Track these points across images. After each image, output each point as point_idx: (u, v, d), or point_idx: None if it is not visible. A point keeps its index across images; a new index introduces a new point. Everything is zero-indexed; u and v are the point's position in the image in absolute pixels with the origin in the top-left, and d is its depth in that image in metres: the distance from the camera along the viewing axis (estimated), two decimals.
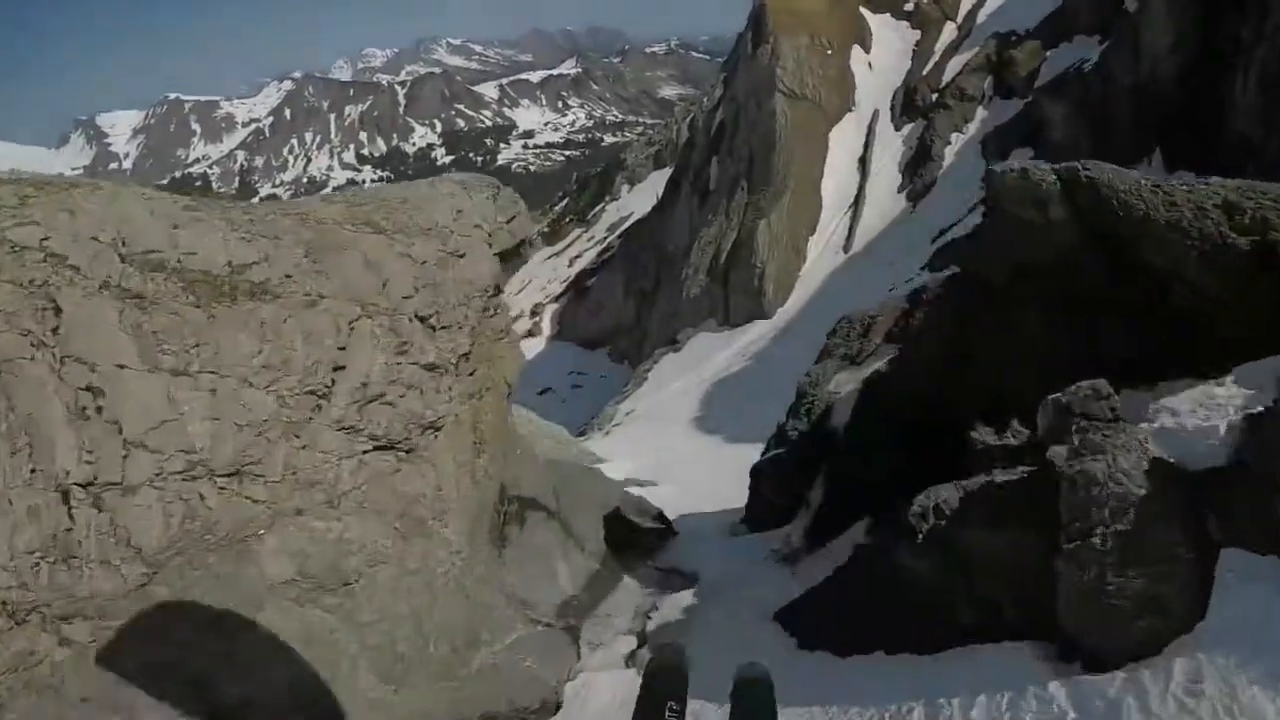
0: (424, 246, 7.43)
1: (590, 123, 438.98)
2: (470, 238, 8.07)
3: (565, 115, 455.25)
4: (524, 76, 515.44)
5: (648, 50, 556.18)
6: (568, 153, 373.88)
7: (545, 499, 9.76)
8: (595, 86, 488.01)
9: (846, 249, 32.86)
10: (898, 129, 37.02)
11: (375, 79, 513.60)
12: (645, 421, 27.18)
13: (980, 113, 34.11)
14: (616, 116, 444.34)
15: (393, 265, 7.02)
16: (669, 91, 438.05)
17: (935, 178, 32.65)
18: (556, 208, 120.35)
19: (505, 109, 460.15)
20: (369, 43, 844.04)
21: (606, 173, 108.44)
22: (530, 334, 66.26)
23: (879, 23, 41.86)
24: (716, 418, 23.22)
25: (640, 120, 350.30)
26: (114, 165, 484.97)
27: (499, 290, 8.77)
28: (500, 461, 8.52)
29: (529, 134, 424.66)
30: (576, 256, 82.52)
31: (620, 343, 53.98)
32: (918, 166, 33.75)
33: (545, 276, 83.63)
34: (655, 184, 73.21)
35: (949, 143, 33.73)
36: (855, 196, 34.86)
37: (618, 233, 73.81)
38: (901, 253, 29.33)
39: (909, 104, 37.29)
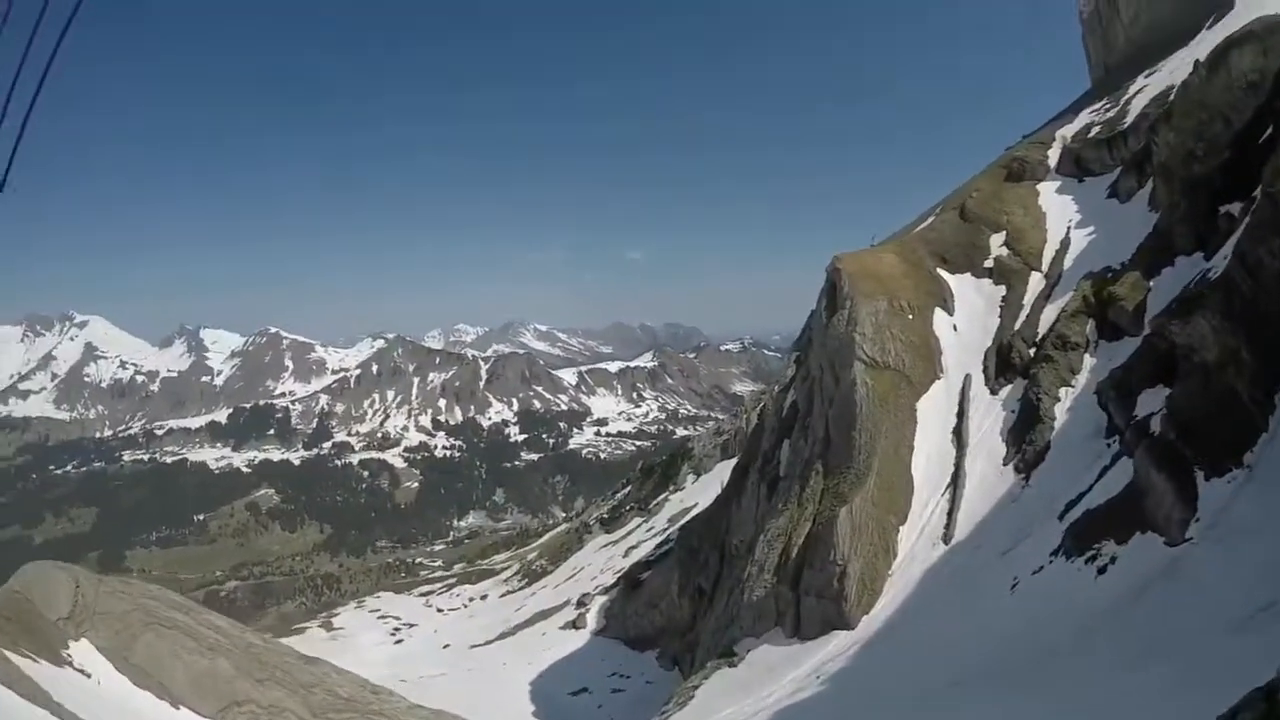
0: None
1: (663, 415, 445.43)
2: None
3: (639, 406, 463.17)
4: (602, 366, 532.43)
5: (722, 348, 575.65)
6: (639, 442, 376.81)
7: None
8: (670, 380, 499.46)
9: (947, 539, 27.00)
10: (994, 393, 32.20)
11: (463, 352, 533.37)
12: None
13: (1088, 360, 29.46)
14: (689, 410, 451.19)
15: None
16: (741, 387, 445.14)
17: (1048, 441, 27.38)
18: (618, 495, 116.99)
19: (582, 395, 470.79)
20: (463, 318, 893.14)
21: (672, 461, 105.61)
22: (575, 626, 61.09)
23: (959, 283, 38.49)
24: None
25: (712, 415, 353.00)
26: (207, 378, 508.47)
27: None
28: None
29: (602, 421, 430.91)
30: (633, 547, 78.18)
31: (672, 646, 48.12)
32: (1024, 432, 28.52)
33: (598, 565, 79.13)
34: (722, 474, 69.52)
35: (1058, 399, 28.75)
36: (953, 475, 29.43)
37: (679, 525, 69.28)
38: (1017, 537, 23.62)
39: (1004, 363, 32.78)
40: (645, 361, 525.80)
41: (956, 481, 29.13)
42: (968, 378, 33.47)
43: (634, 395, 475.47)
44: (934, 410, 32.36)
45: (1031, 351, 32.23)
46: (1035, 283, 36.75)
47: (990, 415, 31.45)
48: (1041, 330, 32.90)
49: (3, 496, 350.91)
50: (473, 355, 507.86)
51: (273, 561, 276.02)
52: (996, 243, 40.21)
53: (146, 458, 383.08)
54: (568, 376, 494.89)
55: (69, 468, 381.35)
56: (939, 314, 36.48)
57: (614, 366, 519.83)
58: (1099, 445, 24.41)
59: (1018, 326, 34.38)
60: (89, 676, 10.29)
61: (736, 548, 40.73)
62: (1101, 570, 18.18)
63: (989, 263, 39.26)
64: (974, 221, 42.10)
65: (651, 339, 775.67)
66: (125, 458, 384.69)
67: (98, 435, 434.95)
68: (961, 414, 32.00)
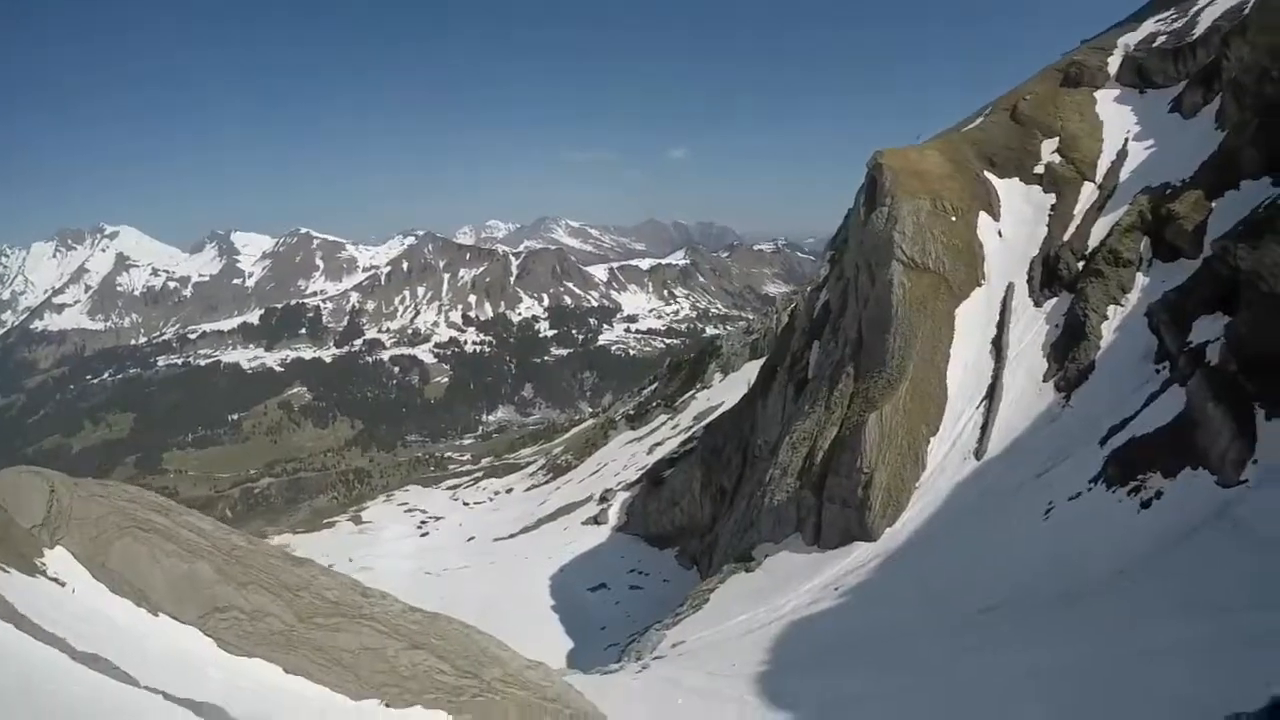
0: None
1: (694, 313, 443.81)
2: None
3: (670, 304, 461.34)
4: (634, 262, 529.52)
5: (755, 248, 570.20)
6: (668, 340, 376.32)
7: None
8: (702, 279, 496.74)
9: (979, 454, 25.69)
10: (1038, 305, 30.45)
11: (494, 248, 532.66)
12: (693, 666, 20.03)
13: (1140, 279, 27.66)
14: (720, 309, 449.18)
15: None
16: (773, 289, 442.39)
17: (1092, 361, 25.92)
18: (645, 391, 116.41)
19: (613, 291, 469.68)
20: (495, 215, 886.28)
21: (700, 359, 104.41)
22: (596, 521, 60.98)
23: (1006, 188, 36.31)
24: (791, 690, 15.97)
25: (743, 315, 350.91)
26: (238, 281, 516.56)
27: None
28: None
29: (632, 318, 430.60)
30: (658, 444, 77.71)
31: (692, 545, 47.88)
32: (1068, 349, 26.97)
33: (622, 461, 78.96)
34: (749, 374, 68.63)
35: (1106, 317, 27.09)
36: (990, 387, 27.92)
37: (703, 423, 68.43)
38: (1054, 459, 22.26)
39: (1051, 275, 30.93)
40: (677, 259, 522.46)
41: (993, 395, 27.67)
42: (1010, 286, 31.66)
43: (665, 293, 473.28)
44: (973, 318, 30.66)
45: (1080, 265, 30.40)
46: (1088, 193, 34.56)
47: (1032, 328, 29.78)
48: (1092, 244, 30.91)
49: (43, 408, 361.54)
50: (503, 251, 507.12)
51: (305, 458, 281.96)
52: (1049, 149, 37.85)
53: (180, 362, 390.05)
54: (599, 273, 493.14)
55: (105, 376, 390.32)
56: (984, 218, 34.43)
57: (645, 264, 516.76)
58: (1147, 369, 22.96)
59: (1067, 237, 32.38)
60: (64, 585, 9.52)
61: (760, 448, 39.81)
62: (1145, 504, 16.96)
63: (1039, 169, 36.96)
64: (1026, 125, 39.67)
65: (685, 237, 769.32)
66: (160, 363, 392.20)
67: (132, 343, 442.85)
68: (1002, 324, 30.32)
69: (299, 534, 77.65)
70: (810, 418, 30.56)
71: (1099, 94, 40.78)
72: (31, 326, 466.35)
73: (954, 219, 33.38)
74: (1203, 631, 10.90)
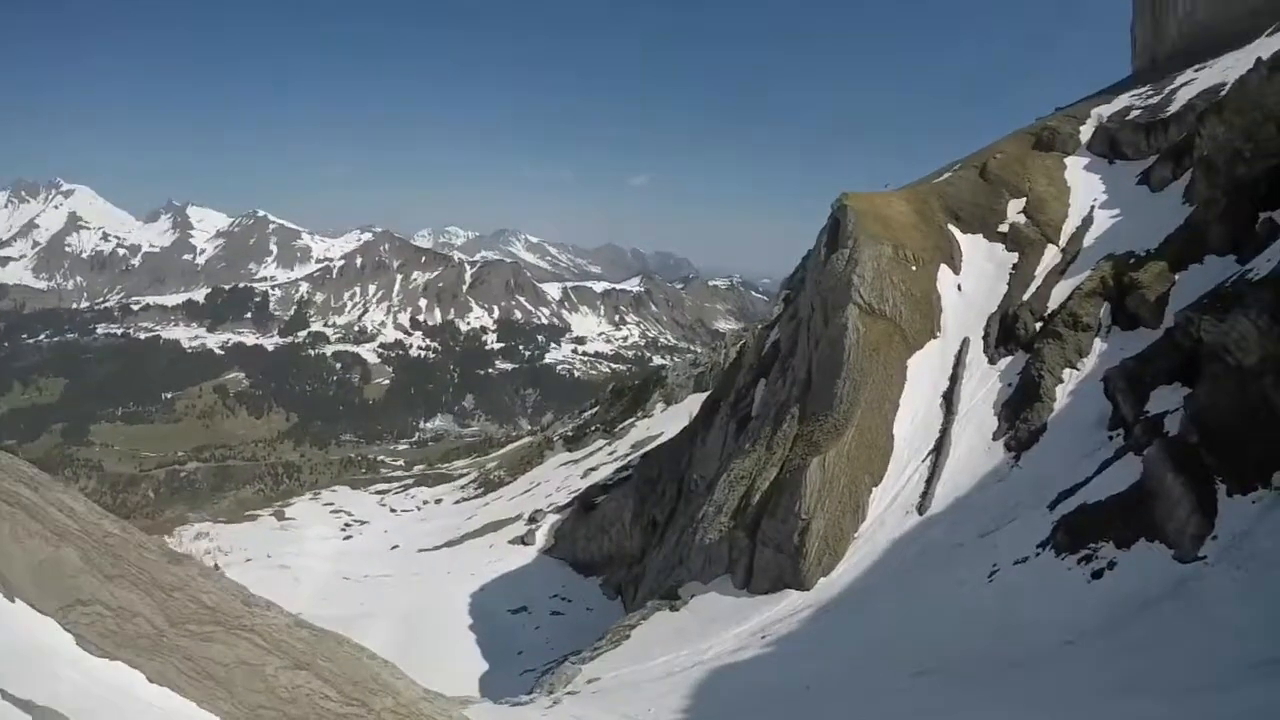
0: None
1: (643, 341, 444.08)
2: None
3: (620, 329, 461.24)
4: (588, 284, 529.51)
5: (710, 283, 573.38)
6: (615, 365, 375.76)
7: None
8: (654, 307, 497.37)
9: (922, 509, 25.08)
10: (993, 362, 30.27)
11: (450, 254, 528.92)
12: (606, 707, 18.92)
13: (1098, 344, 27.63)
14: (670, 340, 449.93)
15: None
16: (724, 325, 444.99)
17: (1045, 422, 25.57)
18: (585, 414, 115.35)
19: (564, 310, 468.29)
20: (455, 221, 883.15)
21: (644, 387, 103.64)
22: (524, 541, 59.62)
23: (970, 243, 36.42)
24: None
25: (692, 348, 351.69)
26: (189, 256, 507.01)
27: None
28: None
29: (581, 340, 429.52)
30: (593, 469, 76.55)
31: (619, 574, 46.82)
32: (1020, 408, 26.63)
33: (555, 483, 77.61)
34: (692, 407, 67.83)
35: (1061, 380, 26.92)
36: (938, 441, 27.46)
37: (641, 451, 67.52)
38: (1000, 520, 21.74)
39: (1008, 333, 30.79)
40: (632, 285, 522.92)
41: (940, 449, 27.16)
42: (966, 341, 31.40)
43: (616, 318, 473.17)
44: (926, 370, 30.30)
45: (1038, 325, 30.30)
46: (1051, 256, 34.75)
47: (985, 385, 29.46)
48: (1051, 306, 30.95)
49: None
50: (459, 258, 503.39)
51: (236, 446, 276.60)
52: (1015, 208, 38.11)
53: (120, 332, 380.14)
54: (552, 290, 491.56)
55: (41, 338, 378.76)
56: (944, 270, 34.25)
57: (600, 286, 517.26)
58: (1100, 435, 22.62)
59: (1026, 297, 32.32)
60: None
61: (696, 483, 38.98)
62: (1096, 575, 16.39)
63: (1004, 227, 37.12)
64: (994, 183, 39.91)
65: (641, 265, 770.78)
66: (99, 331, 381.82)
67: (74, 306, 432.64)
68: (955, 378, 29.97)
69: (219, 523, 75.22)
70: (750, 457, 29.74)
71: (1069, 160, 41.32)
72: None
73: (914, 268, 33.08)
74: (1155, 713, 10.26)
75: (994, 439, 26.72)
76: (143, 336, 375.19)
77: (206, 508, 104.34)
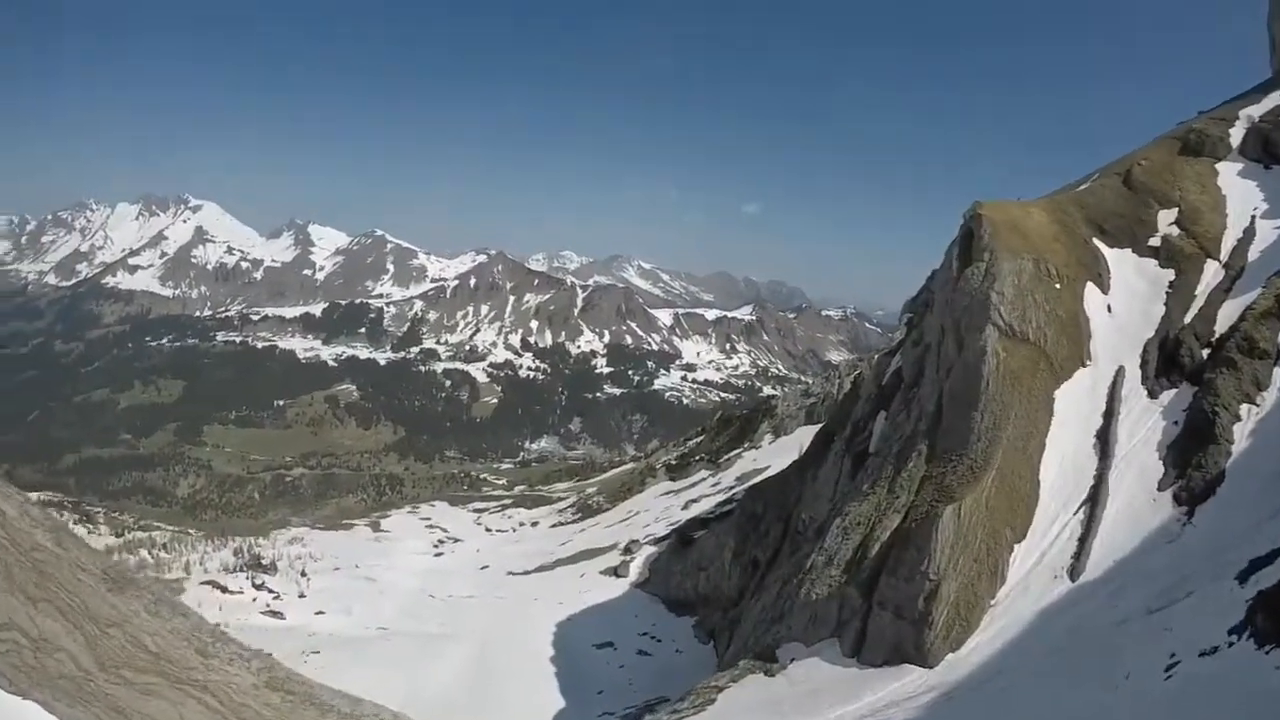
0: None
1: (753, 370, 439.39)
2: None
3: (730, 357, 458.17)
4: (700, 311, 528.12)
5: (823, 312, 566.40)
6: (724, 394, 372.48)
7: None
8: (766, 336, 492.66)
9: (1074, 574, 20.88)
10: (1153, 396, 25.70)
11: (563, 277, 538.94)
12: None
13: (1278, 375, 23.08)
14: (780, 370, 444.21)
15: None
16: (836, 355, 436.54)
17: (1222, 470, 21.22)
18: (690, 442, 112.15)
19: (675, 337, 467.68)
20: (571, 246, 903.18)
21: (752, 417, 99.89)
22: (616, 573, 56.68)
23: (1117, 259, 31.76)
24: None
25: (803, 378, 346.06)
26: (308, 272, 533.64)
27: None
28: None
29: (690, 367, 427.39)
30: (694, 500, 73.10)
31: (713, 617, 43.26)
32: (1191, 452, 22.26)
33: (654, 513, 74.54)
34: (802, 439, 63.88)
35: (1238, 417, 22.46)
36: (1091, 490, 23.13)
37: (746, 484, 64.05)
38: (1173, 592, 17.44)
39: (1169, 361, 26.32)
40: (744, 314, 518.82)
41: (1096, 499, 22.76)
42: (1121, 370, 26.81)
43: (727, 345, 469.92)
44: (1075, 404, 25.79)
45: (1205, 353, 25.58)
46: (1211, 272, 29.78)
47: (1146, 423, 24.84)
48: (1219, 330, 26.25)
49: (98, 360, 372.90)
50: (571, 282, 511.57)
51: (342, 455, 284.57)
52: (1165, 220, 33.06)
53: (238, 340, 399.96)
54: (663, 317, 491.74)
55: (164, 341, 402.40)
56: (1091, 289, 29.66)
57: (711, 314, 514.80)
58: None
59: (1188, 320, 27.60)
60: None
61: (804, 524, 35.18)
62: None
63: (1155, 240, 32.21)
64: (1140, 192, 35.00)
65: (754, 293, 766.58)
66: (218, 338, 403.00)
67: (196, 314, 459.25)
68: (1110, 415, 25.40)
69: (317, 529, 75.33)
70: (868, 500, 25.80)
71: (1220, 165, 36.17)
72: (104, 281, 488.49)
73: (1058, 286, 28.62)
74: None
75: (1159, 489, 22.25)
76: (260, 345, 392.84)
77: (309, 513, 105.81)
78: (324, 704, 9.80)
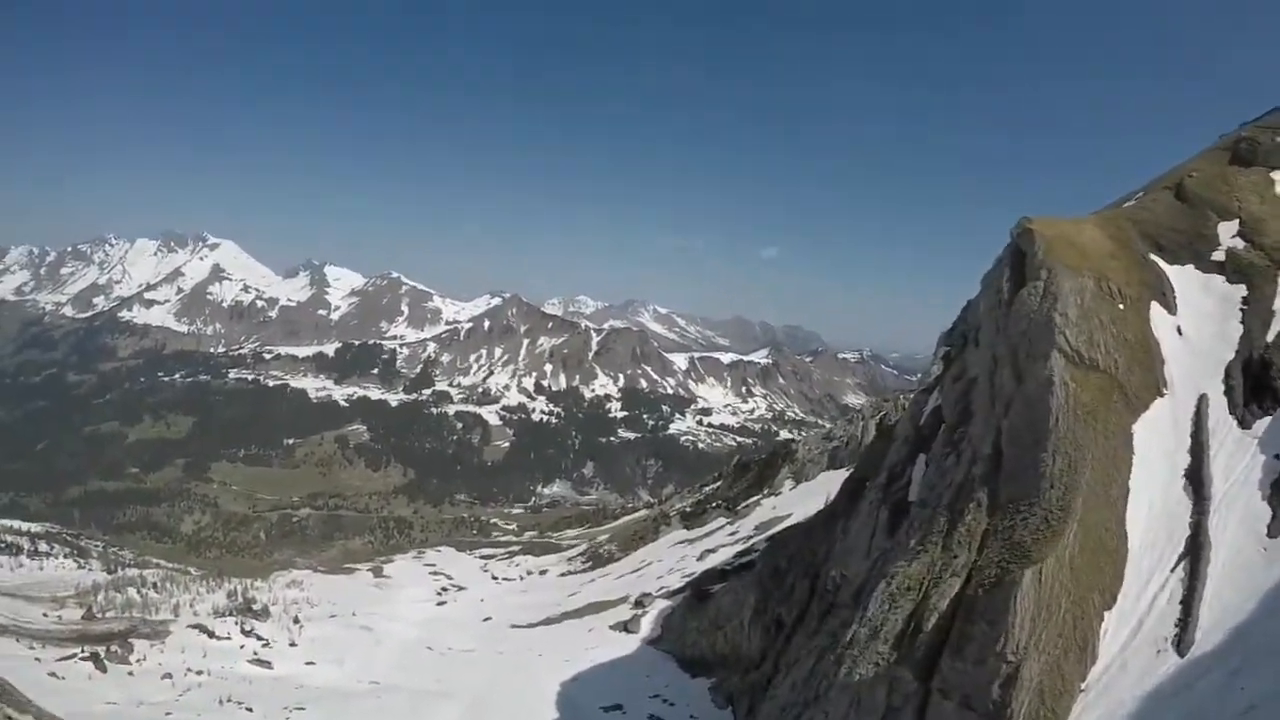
0: None
1: (770, 414, 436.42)
2: None
3: (746, 401, 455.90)
4: (715, 355, 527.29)
5: (840, 355, 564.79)
6: (740, 438, 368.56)
7: None
8: (782, 380, 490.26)
9: (1181, 646, 16.79)
10: (1245, 425, 21.66)
11: (577, 321, 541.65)
12: None
13: None
14: (797, 414, 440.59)
15: None
16: (854, 399, 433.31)
17: None
18: (706, 489, 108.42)
19: (690, 381, 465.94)
20: (586, 291, 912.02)
21: (771, 461, 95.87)
22: (627, 628, 52.98)
23: (1180, 276, 28.06)
24: None
25: (820, 422, 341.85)
26: (323, 312, 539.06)
27: None
28: None
29: (706, 411, 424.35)
30: (711, 550, 69.30)
31: (731, 680, 39.52)
32: None
33: (669, 563, 70.88)
34: (828, 485, 60.39)
35: None
36: (1189, 541, 19.07)
37: (766, 534, 60.46)
38: None
39: (1259, 385, 22.46)
40: (760, 357, 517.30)
41: (1196, 553, 18.70)
42: (1204, 398, 22.82)
43: (743, 389, 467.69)
44: (1156, 439, 21.78)
45: None
46: None
47: (1242, 458, 20.79)
48: None
49: (110, 393, 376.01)
50: (586, 325, 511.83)
51: (350, 496, 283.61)
52: (1227, 232, 29.54)
53: (251, 378, 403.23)
54: (679, 361, 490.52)
55: (176, 376, 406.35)
56: (1157, 309, 25.90)
57: (727, 358, 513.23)
58: None
59: (1271, 338, 23.85)
60: None
61: (834, 582, 31.18)
62: None
63: (1218, 255, 28.58)
64: (1195, 204, 31.54)
65: (770, 337, 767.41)
66: (231, 375, 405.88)
67: (210, 351, 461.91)
68: (1199, 450, 21.38)
69: (318, 572, 73.19)
70: (919, 560, 21.68)
71: (1276, 175, 33.14)
72: (119, 315, 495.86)
73: (1122, 306, 24.94)
74: None
75: (1269, 535, 18.20)
76: (271, 384, 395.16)
77: (314, 554, 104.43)
78: None
